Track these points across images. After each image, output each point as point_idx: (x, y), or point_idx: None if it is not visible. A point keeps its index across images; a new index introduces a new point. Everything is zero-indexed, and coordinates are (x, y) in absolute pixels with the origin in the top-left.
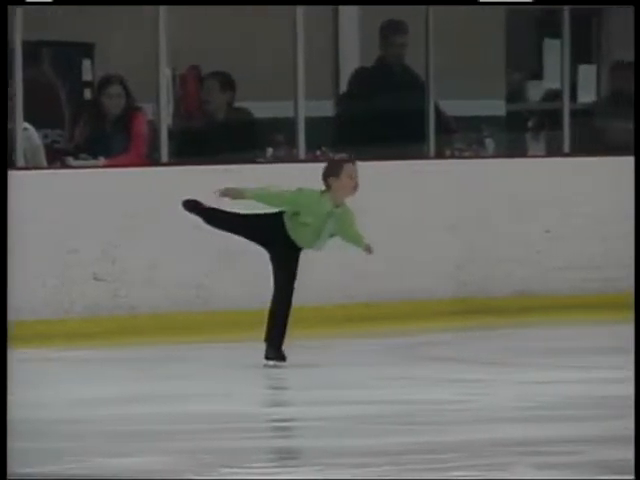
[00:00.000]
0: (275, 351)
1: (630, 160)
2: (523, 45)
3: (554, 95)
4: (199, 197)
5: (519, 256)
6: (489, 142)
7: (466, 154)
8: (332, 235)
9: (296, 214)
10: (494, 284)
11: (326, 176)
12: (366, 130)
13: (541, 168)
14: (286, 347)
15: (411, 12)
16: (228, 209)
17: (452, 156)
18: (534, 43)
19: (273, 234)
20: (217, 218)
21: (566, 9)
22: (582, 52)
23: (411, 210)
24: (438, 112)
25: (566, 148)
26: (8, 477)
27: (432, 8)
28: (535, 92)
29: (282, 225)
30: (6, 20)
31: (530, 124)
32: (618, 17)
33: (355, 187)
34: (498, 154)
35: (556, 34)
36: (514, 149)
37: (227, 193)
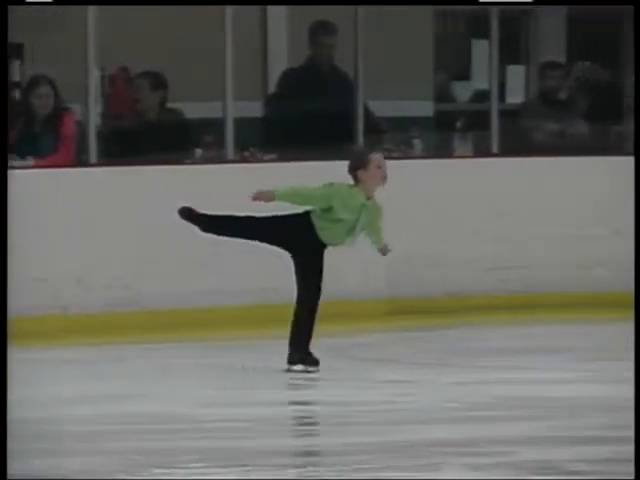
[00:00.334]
0: (304, 355)
1: (558, 160)
2: (451, 45)
3: (482, 95)
4: (130, 197)
5: (449, 257)
6: (417, 142)
7: (394, 154)
8: (363, 229)
9: (327, 211)
10: (426, 285)
11: (353, 169)
12: (295, 131)
13: (469, 168)
14: (228, 348)
15: (340, 13)
16: (221, 214)
17: None
18: (462, 43)
19: (301, 235)
20: (221, 224)
21: (494, 10)
22: (510, 53)
23: None
24: (367, 112)
25: (494, 148)
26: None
27: (361, 8)
28: (463, 92)
29: (310, 225)
30: (6, 20)
31: (458, 124)
32: (547, 18)
33: (384, 177)
34: (426, 154)
35: (484, 35)
36: (442, 149)
37: (259, 196)
